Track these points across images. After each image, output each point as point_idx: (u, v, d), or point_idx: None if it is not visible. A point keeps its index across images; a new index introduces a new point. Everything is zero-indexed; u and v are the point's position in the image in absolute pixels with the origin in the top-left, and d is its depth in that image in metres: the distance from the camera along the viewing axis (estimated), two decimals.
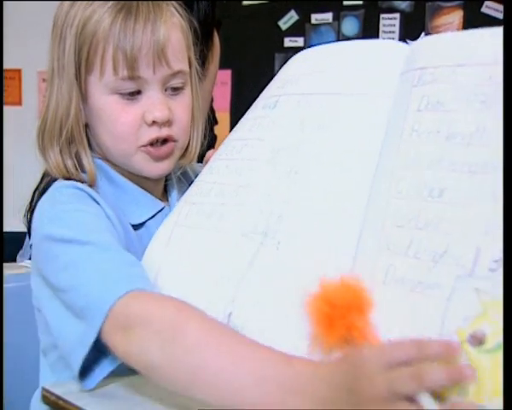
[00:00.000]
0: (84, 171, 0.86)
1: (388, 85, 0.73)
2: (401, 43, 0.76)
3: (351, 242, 0.67)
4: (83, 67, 0.83)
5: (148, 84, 0.83)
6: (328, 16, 2.88)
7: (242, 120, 0.91)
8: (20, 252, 1.36)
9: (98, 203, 0.82)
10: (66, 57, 0.83)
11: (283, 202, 0.75)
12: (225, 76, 2.43)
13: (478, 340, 0.53)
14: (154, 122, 0.84)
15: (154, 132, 0.85)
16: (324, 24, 2.89)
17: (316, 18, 2.90)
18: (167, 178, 0.97)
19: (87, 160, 0.86)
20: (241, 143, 0.86)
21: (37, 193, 0.88)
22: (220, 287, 0.75)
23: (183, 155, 0.93)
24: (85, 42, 0.81)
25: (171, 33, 0.83)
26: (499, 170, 0.58)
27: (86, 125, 0.87)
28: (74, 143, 0.85)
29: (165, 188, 0.98)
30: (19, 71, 3.11)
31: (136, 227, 0.89)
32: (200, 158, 1.00)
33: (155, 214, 0.92)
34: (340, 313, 0.60)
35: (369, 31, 2.74)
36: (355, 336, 0.59)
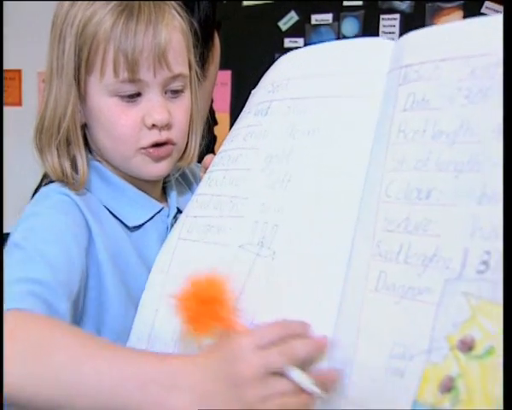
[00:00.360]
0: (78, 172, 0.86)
1: (376, 85, 0.72)
2: (387, 41, 0.75)
3: (344, 249, 0.67)
4: (82, 68, 0.82)
5: (148, 86, 0.83)
6: (328, 17, 2.86)
7: (235, 127, 0.90)
8: None
9: (81, 210, 0.82)
10: (66, 57, 0.83)
11: (277, 210, 0.75)
12: (225, 77, 2.41)
13: (467, 346, 0.53)
14: (153, 125, 0.84)
15: (154, 136, 0.85)
16: (324, 25, 2.87)
17: (316, 19, 2.88)
18: (166, 180, 0.97)
19: (81, 161, 0.85)
20: (237, 153, 0.85)
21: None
22: None
23: (181, 158, 0.93)
24: (86, 42, 0.81)
25: (172, 36, 0.83)
26: (484, 167, 0.57)
27: (85, 126, 0.87)
28: (72, 145, 0.85)
29: (165, 190, 0.98)
30: (19, 71, 3.10)
31: (133, 229, 0.89)
32: (200, 159, 1.00)
33: (154, 216, 0.92)
34: (205, 307, 0.63)
35: (369, 31, 2.72)
36: (221, 327, 0.63)
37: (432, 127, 0.63)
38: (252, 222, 0.77)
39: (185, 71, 0.87)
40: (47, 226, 0.78)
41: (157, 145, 0.86)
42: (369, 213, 0.66)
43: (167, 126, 0.85)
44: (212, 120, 1.55)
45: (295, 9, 2.89)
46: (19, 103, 3.14)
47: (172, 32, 0.84)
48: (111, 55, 0.80)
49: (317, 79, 0.80)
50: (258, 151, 0.82)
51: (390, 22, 2.69)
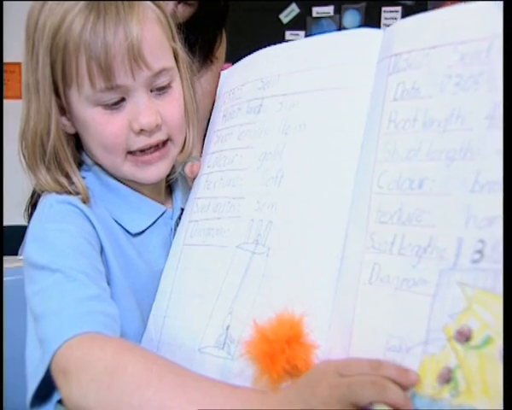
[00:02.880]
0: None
1: (366, 76, 0.71)
2: (376, 30, 0.74)
3: (338, 242, 0.66)
4: (59, 82, 0.78)
5: (130, 90, 0.77)
6: (329, 9, 2.86)
7: (224, 124, 0.89)
8: (22, 245, 1.37)
9: (88, 218, 0.79)
10: (41, 72, 0.77)
11: (271, 207, 0.74)
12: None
13: (464, 336, 0.52)
14: (142, 130, 0.79)
15: (144, 140, 0.80)
16: (325, 17, 2.87)
17: (317, 11, 2.88)
18: (170, 177, 0.93)
19: (76, 177, 0.82)
20: (233, 154, 0.84)
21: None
22: (220, 301, 0.74)
23: (180, 151, 0.89)
24: (58, 55, 0.76)
25: (146, 32, 0.76)
26: (477, 155, 0.57)
27: (76, 135, 0.84)
28: (62, 162, 0.82)
29: (171, 187, 0.95)
30: (19, 64, 3.09)
31: (135, 235, 0.86)
32: None
33: (156, 220, 0.89)
34: (278, 347, 0.60)
35: (371, 24, 2.72)
36: (299, 367, 0.59)
37: (422, 116, 0.63)
38: (248, 221, 0.76)
39: (169, 64, 0.82)
40: (65, 244, 0.74)
41: (151, 149, 0.82)
42: (362, 205, 0.65)
43: (157, 128, 0.81)
44: None
45: (296, 2, 2.89)
46: (19, 97, 3.12)
47: (146, 26, 0.77)
48: (84, 66, 0.75)
49: (307, 73, 0.79)
50: (253, 150, 0.81)
51: (391, 14, 2.69)
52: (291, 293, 0.68)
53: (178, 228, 0.89)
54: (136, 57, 0.75)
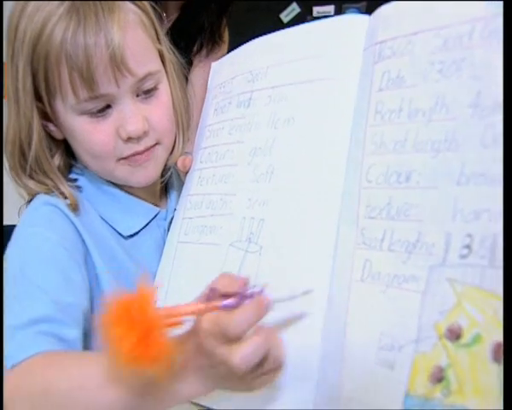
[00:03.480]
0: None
1: (352, 65, 0.69)
2: (362, 16, 0.71)
3: (330, 239, 0.65)
4: (43, 92, 0.76)
5: (115, 98, 0.76)
6: (329, 9, 2.83)
7: (215, 119, 0.88)
8: None
9: (73, 223, 0.78)
10: (21, 83, 0.76)
11: (263, 204, 0.73)
12: None
13: (455, 334, 0.51)
14: (129, 138, 0.78)
15: (133, 147, 0.79)
16: (326, 16, 2.86)
17: (317, 10, 2.85)
18: (163, 180, 0.92)
19: (63, 186, 0.81)
20: (224, 149, 0.83)
21: None
22: None
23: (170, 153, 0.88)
24: (40, 65, 0.74)
25: (128, 38, 0.74)
26: (461, 146, 0.55)
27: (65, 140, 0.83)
28: (47, 173, 0.81)
29: (167, 186, 0.95)
30: None
31: (127, 237, 0.86)
32: None
33: (149, 222, 0.88)
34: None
35: None
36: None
37: (407, 106, 0.61)
38: (240, 218, 0.75)
39: (154, 67, 0.80)
40: (40, 252, 0.74)
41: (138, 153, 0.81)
42: (352, 200, 0.64)
43: (145, 134, 0.79)
44: None
45: (297, 1, 2.86)
46: None
47: (128, 32, 0.75)
48: (66, 77, 0.73)
49: (294, 64, 0.77)
50: (244, 145, 0.80)
51: None
52: (284, 294, 0.65)
53: (172, 225, 0.88)
54: (119, 65, 0.74)
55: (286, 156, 0.73)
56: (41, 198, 0.81)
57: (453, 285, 0.52)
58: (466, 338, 0.50)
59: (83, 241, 0.79)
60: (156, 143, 0.82)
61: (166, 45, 0.86)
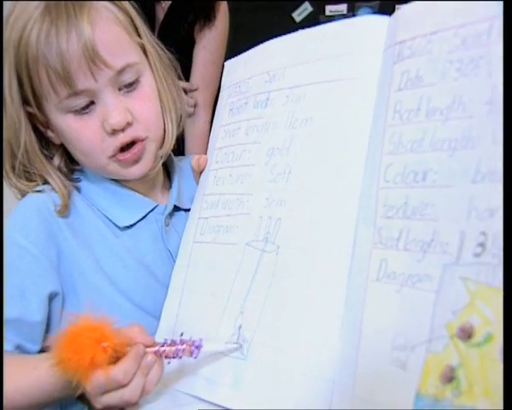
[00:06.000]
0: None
1: (372, 65, 0.69)
2: (383, 17, 0.71)
3: (348, 239, 0.65)
4: (30, 97, 0.79)
5: (96, 92, 0.77)
6: (342, 7, 2.81)
7: (231, 119, 0.88)
8: None
9: (52, 223, 0.81)
10: (7, 88, 0.79)
11: (280, 204, 0.73)
12: None
13: (466, 333, 0.50)
14: (114, 130, 0.79)
15: (118, 140, 0.80)
16: (339, 15, 2.82)
17: (330, 9, 2.84)
18: (168, 165, 0.95)
19: (56, 184, 0.83)
20: (241, 149, 0.83)
21: None
22: (231, 300, 0.74)
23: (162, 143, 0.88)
24: (22, 71, 0.77)
25: (99, 31, 0.76)
26: (478, 143, 0.54)
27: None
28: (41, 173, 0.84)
29: (170, 182, 0.96)
30: None
31: (124, 229, 0.87)
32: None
33: (146, 215, 0.89)
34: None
35: None
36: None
37: (425, 105, 0.60)
38: (257, 218, 0.76)
39: (132, 59, 0.80)
40: (9, 257, 0.78)
41: (127, 146, 0.82)
42: (370, 199, 0.64)
43: (128, 125, 0.80)
44: None
45: (309, 0, 2.86)
46: None
47: (99, 26, 0.76)
48: (45, 76, 0.75)
49: (312, 64, 0.77)
50: (261, 145, 0.80)
51: None
52: (302, 292, 0.67)
53: (187, 224, 0.89)
54: (92, 58, 0.75)
55: (304, 156, 0.73)
56: (28, 198, 0.83)
57: (466, 284, 0.51)
58: (477, 337, 0.50)
59: (60, 241, 0.81)
60: (146, 138, 0.83)
61: (149, 39, 0.86)
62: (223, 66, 0.96)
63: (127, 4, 0.83)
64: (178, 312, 0.82)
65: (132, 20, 0.83)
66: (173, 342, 0.69)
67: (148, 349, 0.68)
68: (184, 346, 0.69)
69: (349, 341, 0.61)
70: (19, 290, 0.77)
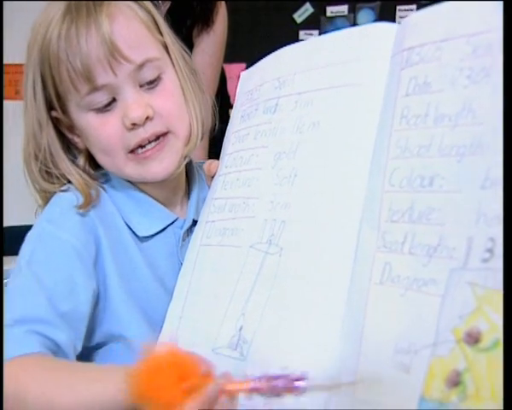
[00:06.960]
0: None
1: (379, 71, 0.70)
2: (390, 24, 0.72)
3: (351, 242, 0.65)
4: (54, 99, 0.79)
5: (116, 88, 0.77)
6: (343, 8, 2.83)
7: (242, 125, 0.88)
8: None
9: (89, 222, 0.80)
10: (31, 91, 0.80)
11: (285, 207, 0.74)
12: (240, 69, 2.39)
13: (474, 338, 0.51)
14: (133, 124, 0.77)
15: (138, 135, 0.79)
16: (340, 16, 2.84)
17: (331, 10, 2.85)
18: (189, 176, 0.93)
19: (76, 181, 0.82)
20: (249, 154, 0.83)
21: None
22: (233, 302, 0.74)
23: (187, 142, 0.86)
24: (46, 72, 0.78)
25: (118, 25, 0.76)
26: (487, 150, 0.55)
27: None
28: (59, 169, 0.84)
29: (189, 196, 0.94)
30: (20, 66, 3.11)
31: (143, 239, 0.86)
32: (215, 138, 0.98)
33: (166, 227, 0.88)
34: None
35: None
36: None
37: (434, 111, 0.61)
38: (262, 221, 0.76)
39: (152, 54, 0.80)
40: (48, 250, 0.76)
41: (151, 143, 0.80)
42: (374, 203, 0.64)
43: (149, 120, 0.79)
44: (228, 103, 1.61)
45: (310, 1, 2.87)
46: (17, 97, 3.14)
47: (119, 21, 0.76)
48: (66, 74, 0.76)
49: (321, 70, 0.78)
50: (268, 149, 0.80)
51: (406, 13, 2.65)
52: (304, 294, 0.67)
53: (195, 229, 0.88)
54: (111, 51, 0.75)
55: (309, 160, 0.73)
56: (60, 195, 0.82)
57: (474, 289, 0.52)
58: (485, 342, 0.50)
59: (98, 241, 0.80)
60: (168, 132, 0.82)
61: (172, 38, 0.86)
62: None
63: (149, 4, 0.83)
64: (182, 314, 0.81)
65: (154, 18, 0.83)
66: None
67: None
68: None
69: (350, 343, 0.61)
70: (68, 283, 0.75)
